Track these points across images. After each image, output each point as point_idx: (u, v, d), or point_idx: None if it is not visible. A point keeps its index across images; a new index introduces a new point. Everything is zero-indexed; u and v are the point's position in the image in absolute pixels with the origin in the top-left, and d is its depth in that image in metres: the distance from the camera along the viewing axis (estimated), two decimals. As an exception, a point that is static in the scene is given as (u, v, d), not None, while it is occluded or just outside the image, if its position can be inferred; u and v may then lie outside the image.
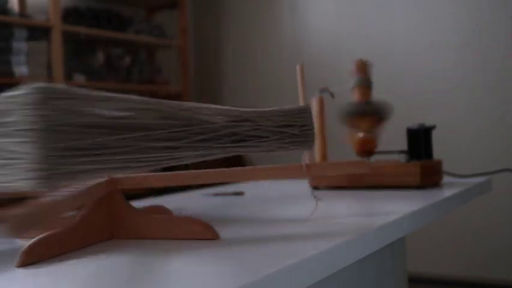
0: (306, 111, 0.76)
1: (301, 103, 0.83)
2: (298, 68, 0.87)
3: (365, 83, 1.27)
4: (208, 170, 0.79)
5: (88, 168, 0.59)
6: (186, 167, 0.92)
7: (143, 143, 0.62)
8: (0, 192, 0.59)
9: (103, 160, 0.60)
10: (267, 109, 0.74)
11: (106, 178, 0.74)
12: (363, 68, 1.29)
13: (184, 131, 0.65)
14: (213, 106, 0.69)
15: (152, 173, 0.83)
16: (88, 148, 0.59)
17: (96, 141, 0.59)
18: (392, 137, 1.27)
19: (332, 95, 1.34)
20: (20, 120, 0.55)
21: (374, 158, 1.29)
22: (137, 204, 1.13)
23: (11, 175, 0.56)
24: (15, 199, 0.61)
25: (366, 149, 1.25)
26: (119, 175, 0.68)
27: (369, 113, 1.25)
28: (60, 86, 0.59)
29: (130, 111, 0.62)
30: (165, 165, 0.66)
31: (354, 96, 1.28)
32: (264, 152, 0.73)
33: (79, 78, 3.05)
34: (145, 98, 0.65)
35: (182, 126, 0.65)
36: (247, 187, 1.42)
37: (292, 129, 0.74)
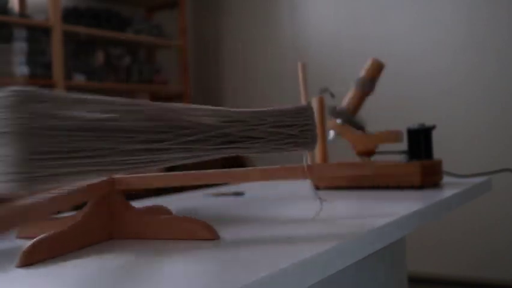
0: (306, 110, 0.74)
1: (303, 102, 0.81)
2: (300, 66, 0.84)
3: (364, 88, 1.27)
4: (208, 171, 0.79)
5: (67, 171, 0.58)
6: (185, 166, 0.91)
7: (126, 145, 0.61)
8: None
9: (82, 163, 0.58)
10: (261, 109, 0.73)
11: (101, 179, 0.74)
12: (374, 69, 1.28)
13: (170, 132, 0.64)
14: (203, 107, 0.68)
15: (153, 174, 0.83)
16: (67, 151, 0.57)
17: (75, 144, 0.58)
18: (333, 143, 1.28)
19: (332, 95, 1.34)
20: None
21: (374, 158, 1.29)
22: (137, 204, 1.13)
23: None
24: None
25: (367, 149, 1.25)
26: (101, 177, 0.67)
27: (350, 122, 1.27)
28: (37, 89, 0.58)
29: (112, 113, 0.61)
30: (152, 167, 0.64)
31: (350, 95, 1.29)
32: (260, 153, 0.72)
33: (79, 78, 3.05)
34: (130, 100, 0.64)
35: (168, 128, 0.63)
36: (247, 187, 1.42)
37: (291, 129, 0.72)
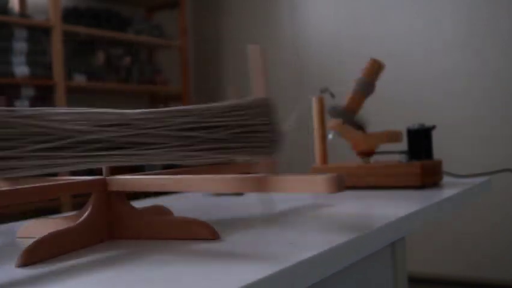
0: (248, 108, 0.63)
1: (258, 95, 0.67)
2: (252, 49, 0.69)
3: (363, 89, 1.26)
4: (165, 176, 0.72)
5: None
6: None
7: None
8: None
9: None
10: (166, 109, 0.63)
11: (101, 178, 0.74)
12: (373, 70, 1.26)
13: (20, 140, 0.57)
14: (72, 110, 0.61)
15: (148, 176, 0.83)
16: None
17: None
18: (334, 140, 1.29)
19: (332, 95, 1.34)
20: None
21: (374, 158, 1.29)
22: (138, 204, 1.13)
23: None
24: None
25: (366, 149, 1.25)
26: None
27: (348, 121, 1.26)
28: None
29: None
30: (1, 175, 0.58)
31: (349, 96, 1.27)
32: (161, 161, 0.61)
33: (79, 78, 3.05)
34: None
35: (17, 135, 0.57)
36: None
37: (212, 132, 0.61)
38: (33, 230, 0.78)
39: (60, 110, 0.60)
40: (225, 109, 0.63)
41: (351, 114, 1.27)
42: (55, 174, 2.64)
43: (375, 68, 1.25)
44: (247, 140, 0.63)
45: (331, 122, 1.28)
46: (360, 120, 1.28)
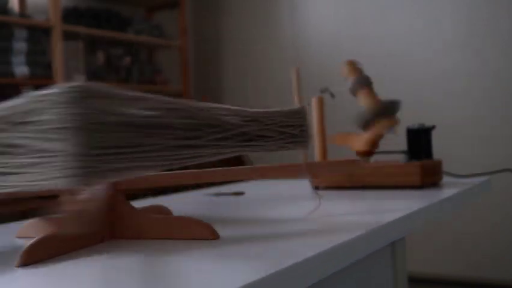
0: (302, 112, 0.79)
1: (297, 104, 0.86)
2: (294, 71, 0.89)
3: (366, 83, 1.27)
4: (208, 169, 0.79)
5: (124, 166, 0.59)
6: (186, 167, 0.91)
7: (171, 141, 0.63)
8: (35, 190, 0.59)
9: (138, 157, 0.60)
10: (270, 110, 0.76)
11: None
12: (356, 68, 1.29)
13: (202, 130, 0.66)
14: (226, 106, 0.71)
15: (153, 173, 0.83)
16: (122, 146, 0.59)
17: (131, 139, 0.59)
18: (392, 137, 1.27)
19: (332, 95, 1.34)
20: (55, 118, 0.56)
21: (374, 158, 1.29)
22: (137, 204, 1.13)
23: (45, 173, 0.57)
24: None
25: (367, 149, 1.25)
26: (152, 171, 0.67)
27: (389, 113, 1.23)
28: (95, 85, 0.58)
29: (155, 111, 0.62)
30: (188, 163, 0.66)
31: (362, 99, 1.26)
32: (267, 151, 0.75)
33: (79, 78, 3.05)
34: (168, 98, 0.65)
35: (201, 125, 0.66)
36: (247, 187, 1.42)
37: (292, 129, 0.77)
38: (32, 230, 0.78)
39: (216, 105, 0.69)
40: (292, 113, 0.78)
41: (377, 110, 1.24)
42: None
43: (352, 67, 1.29)
44: (302, 135, 0.79)
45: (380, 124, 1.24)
46: (392, 102, 1.24)
